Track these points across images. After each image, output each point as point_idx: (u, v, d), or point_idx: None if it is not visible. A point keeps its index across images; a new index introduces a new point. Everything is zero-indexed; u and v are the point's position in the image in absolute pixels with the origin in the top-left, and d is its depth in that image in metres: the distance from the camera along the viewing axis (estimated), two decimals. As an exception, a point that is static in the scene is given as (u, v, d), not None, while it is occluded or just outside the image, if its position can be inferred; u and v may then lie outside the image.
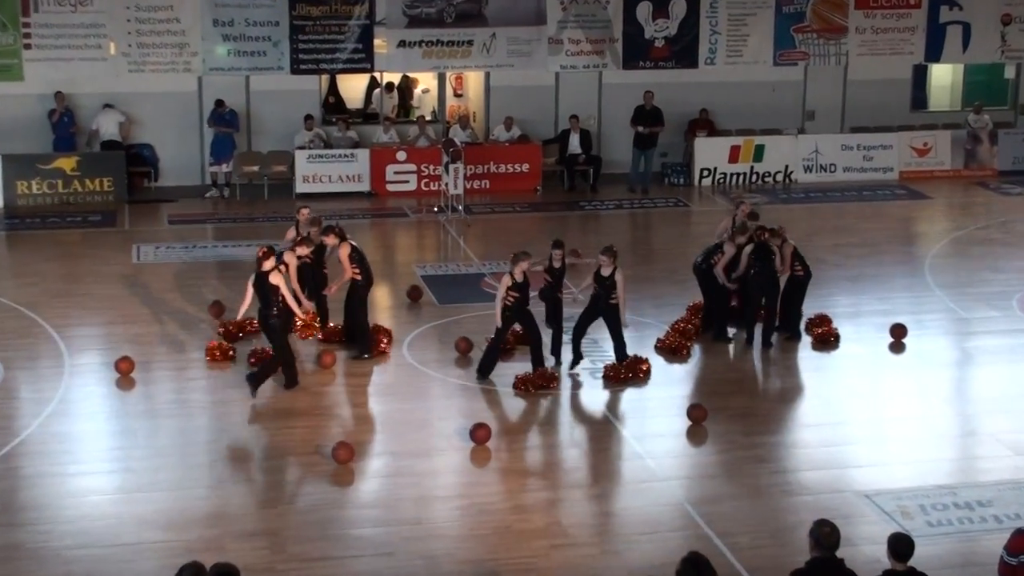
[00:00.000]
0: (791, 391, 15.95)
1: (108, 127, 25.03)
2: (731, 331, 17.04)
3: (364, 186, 25.53)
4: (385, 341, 16.40)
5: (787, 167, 27.09)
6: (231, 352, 16.05)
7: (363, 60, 26.26)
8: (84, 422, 14.31)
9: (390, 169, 25.61)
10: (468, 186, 24.50)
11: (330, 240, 16.34)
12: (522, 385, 15.08)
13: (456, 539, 11.68)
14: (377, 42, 26.15)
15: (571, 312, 16.15)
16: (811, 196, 26.07)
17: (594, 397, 15.25)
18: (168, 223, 23.41)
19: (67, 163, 24.53)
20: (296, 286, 15.97)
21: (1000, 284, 19.57)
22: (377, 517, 12.13)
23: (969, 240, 22.57)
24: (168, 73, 25.38)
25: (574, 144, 26.42)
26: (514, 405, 14.88)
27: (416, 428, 14.20)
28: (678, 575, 8.17)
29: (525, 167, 26.21)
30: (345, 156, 25.52)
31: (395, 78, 27.86)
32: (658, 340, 16.58)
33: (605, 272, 15.43)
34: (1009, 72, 29.39)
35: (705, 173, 26.81)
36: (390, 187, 25.59)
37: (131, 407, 14.81)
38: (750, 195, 24.69)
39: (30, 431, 13.90)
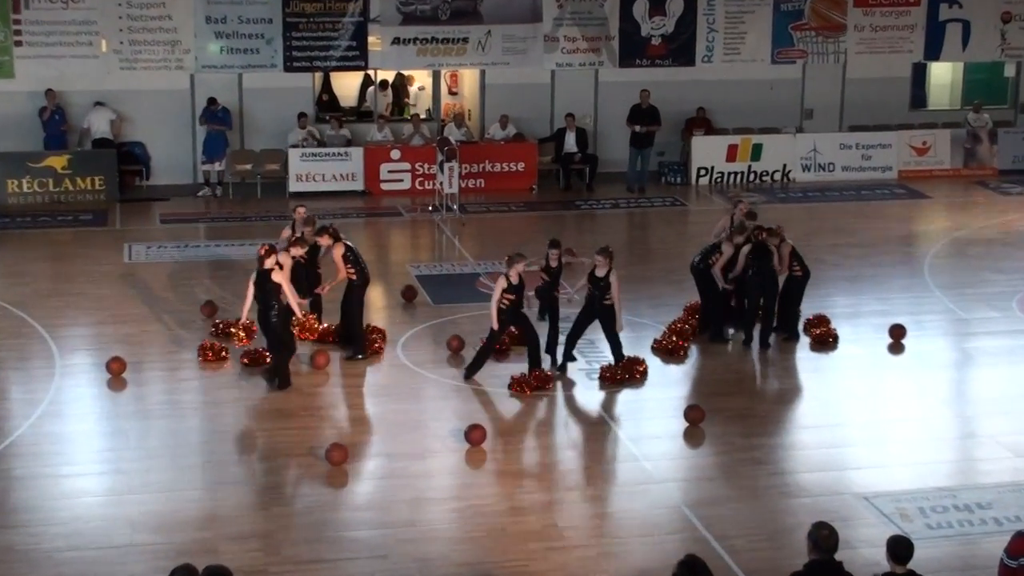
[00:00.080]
0: (789, 392, 15.86)
1: (99, 125, 24.88)
2: (729, 331, 16.95)
3: (358, 185, 25.40)
4: (379, 341, 16.28)
5: (785, 166, 26.99)
6: (224, 352, 15.94)
7: (357, 58, 26.12)
8: (75, 423, 14.22)
9: (384, 168, 25.48)
10: (463, 185, 24.40)
11: (324, 241, 16.24)
12: (518, 386, 14.97)
13: (451, 541, 11.59)
14: (371, 39, 26.01)
15: (567, 312, 16.06)
16: (809, 195, 25.99)
17: (590, 398, 15.14)
18: (160, 222, 23.29)
19: (58, 161, 24.38)
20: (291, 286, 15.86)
21: (1000, 284, 19.49)
22: (371, 519, 12.04)
23: (969, 240, 22.48)
24: (160, 70, 25.23)
25: (570, 143, 26.32)
26: (509, 406, 14.78)
27: (411, 429, 14.11)
28: (675, 578, 8.10)
29: (520, 166, 26.09)
30: (339, 154, 25.39)
31: (389, 76, 27.80)
32: (655, 341, 16.49)
33: (600, 273, 15.32)
34: (1009, 70, 29.33)
35: (702, 172, 26.70)
36: (384, 186, 25.46)
37: (123, 408, 14.70)
38: (748, 194, 24.60)
39: (21, 432, 13.80)
